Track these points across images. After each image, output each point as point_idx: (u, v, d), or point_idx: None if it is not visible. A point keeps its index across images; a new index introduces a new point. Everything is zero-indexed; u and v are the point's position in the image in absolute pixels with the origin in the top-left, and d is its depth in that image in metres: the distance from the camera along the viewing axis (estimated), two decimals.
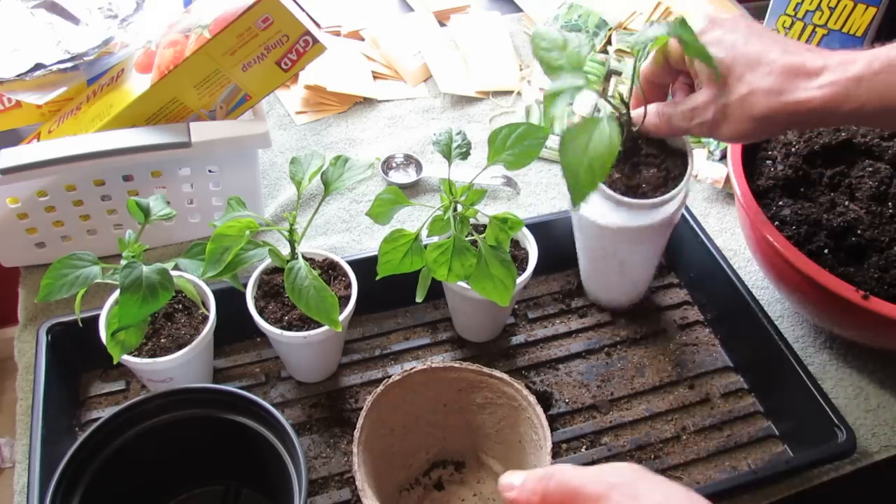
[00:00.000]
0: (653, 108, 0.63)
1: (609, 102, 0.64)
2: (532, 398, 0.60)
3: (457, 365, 0.62)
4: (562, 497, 0.44)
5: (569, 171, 0.53)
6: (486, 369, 0.61)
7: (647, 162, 0.65)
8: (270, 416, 0.58)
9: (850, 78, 0.53)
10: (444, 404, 0.64)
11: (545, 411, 0.72)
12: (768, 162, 0.81)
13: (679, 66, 0.62)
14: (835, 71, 0.54)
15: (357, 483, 0.55)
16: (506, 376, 0.61)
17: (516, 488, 0.46)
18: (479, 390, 0.63)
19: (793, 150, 0.80)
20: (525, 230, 0.73)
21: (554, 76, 0.58)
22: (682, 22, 0.56)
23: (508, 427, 0.63)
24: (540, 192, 0.94)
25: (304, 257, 0.63)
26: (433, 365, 0.61)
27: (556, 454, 0.70)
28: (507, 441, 0.64)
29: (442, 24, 1.17)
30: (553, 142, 0.98)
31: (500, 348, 0.77)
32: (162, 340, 0.66)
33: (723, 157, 0.96)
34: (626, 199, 0.65)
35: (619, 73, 1.06)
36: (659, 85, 0.65)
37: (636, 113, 0.64)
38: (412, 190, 0.94)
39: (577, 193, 0.53)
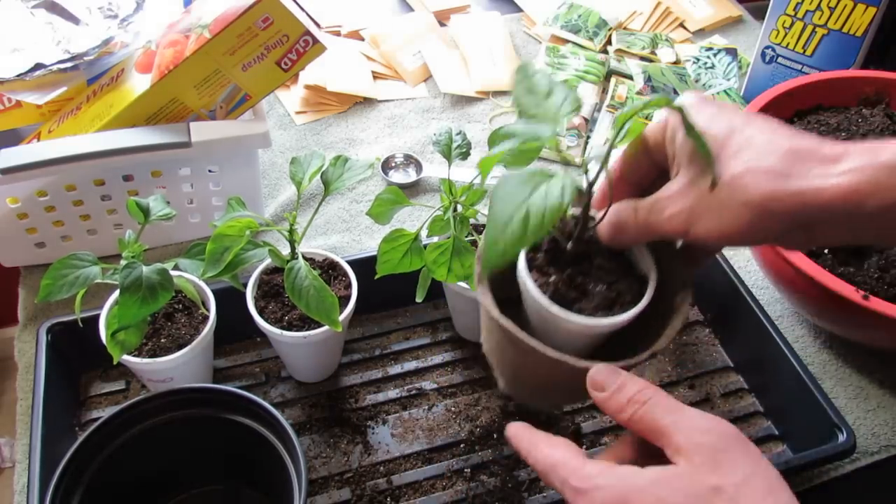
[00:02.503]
0: (616, 206, 0.47)
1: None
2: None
3: None
4: (648, 430, 0.42)
5: (494, 219, 0.40)
6: None
7: (596, 276, 0.48)
8: (270, 416, 0.58)
9: (882, 164, 0.40)
10: None
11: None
12: None
13: (659, 154, 0.47)
14: (859, 156, 0.40)
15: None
16: None
17: (611, 393, 0.44)
18: None
19: None
20: None
21: (523, 118, 0.48)
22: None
23: None
24: None
25: (304, 257, 0.63)
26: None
27: None
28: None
29: (442, 24, 1.17)
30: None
31: None
32: (162, 340, 0.66)
33: None
34: (550, 306, 0.46)
35: (619, 74, 1.06)
36: (630, 184, 0.49)
37: (607, 214, 0.48)
38: (412, 190, 0.94)
39: (497, 252, 0.39)
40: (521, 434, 0.48)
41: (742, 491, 0.39)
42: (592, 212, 0.49)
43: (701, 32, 1.21)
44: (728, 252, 0.85)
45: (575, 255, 0.49)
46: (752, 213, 0.42)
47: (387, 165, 0.96)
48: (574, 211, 0.49)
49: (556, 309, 0.46)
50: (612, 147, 0.46)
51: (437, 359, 0.76)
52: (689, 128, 0.42)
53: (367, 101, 1.05)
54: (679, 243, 0.50)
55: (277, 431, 0.58)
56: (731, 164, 0.42)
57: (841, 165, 0.41)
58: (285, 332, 0.65)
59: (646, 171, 0.49)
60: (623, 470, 0.42)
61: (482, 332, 0.54)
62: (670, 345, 0.79)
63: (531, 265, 0.48)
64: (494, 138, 0.45)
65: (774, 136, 0.43)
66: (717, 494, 0.39)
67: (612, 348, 0.49)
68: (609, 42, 1.13)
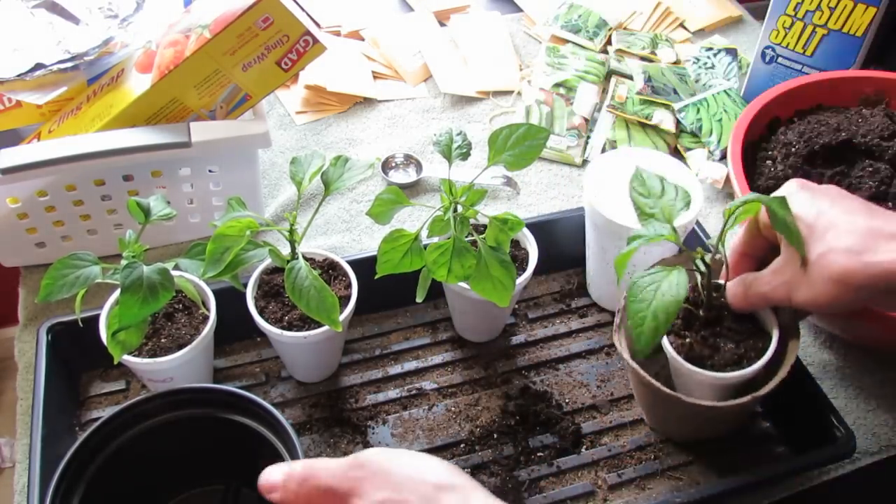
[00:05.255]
0: (737, 279, 0.60)
1: (690, 258, 0.61)
2: None
3: None
4: (323, 498, 0.46)
5: (633, 318, 0.54)
6: None
7: (727, 335, 0.61)
8: (270, 416, 0.58)
9: None
10: None
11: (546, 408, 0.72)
12: (768, 162, 0.81)
13: (770, 234, 0.58)
14: None
15: None
16: None
17: (279, 489, 0.47)
18: None
19: (793, 150, 0.80)
20: (525, 230, 0.73)
21: (643, 221, 0.60)
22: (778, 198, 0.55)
23: None
24: (540, 192, 0.94)
25: (304, 257, 0.63)
26: None
27: (558, 452, 0.70)
28: None
29: (442, 24, 1.17)
30: (554, 142, 0.98)
31: (500, 348, 0.77)
32: (162, 340, 0.66)
33: (723, 157, 0.96)
34: (685, 364, 0.60)
35: (619, 74, 1.06)
36: (750, 257, 0.61)
37: (730, 285, 0.61)
38: (412, 190, 0.94)
39: (642, 344, 0.54)
40: (279, 473, 0.48)
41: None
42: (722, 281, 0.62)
43: (701, 32, 1.21)
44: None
45: (707, 320, 0.61)
46: (836, 287, 0.51)
47: (387, 165, 0.96)
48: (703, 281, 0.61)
49: (689, 366, 0.59)
50: (724, 233, 0.58)
51: (437, 359, 0.76)
52: (776, 222, 0.54)
53: (367, 101, 1.05)
54: None
55: (277, 431, 0.58)
56: (818, 245, 0.52)
57: None
58: (285, 332, 0.65)
59: (762, 247, 0.60)
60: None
61: (635, 391, 0.71)
62: None
63: (669, 330, 0.61)
64: (629, 240, 0.58)
65: (854, 216, 0.52)
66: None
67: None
68: (609, 42, 1.13)
